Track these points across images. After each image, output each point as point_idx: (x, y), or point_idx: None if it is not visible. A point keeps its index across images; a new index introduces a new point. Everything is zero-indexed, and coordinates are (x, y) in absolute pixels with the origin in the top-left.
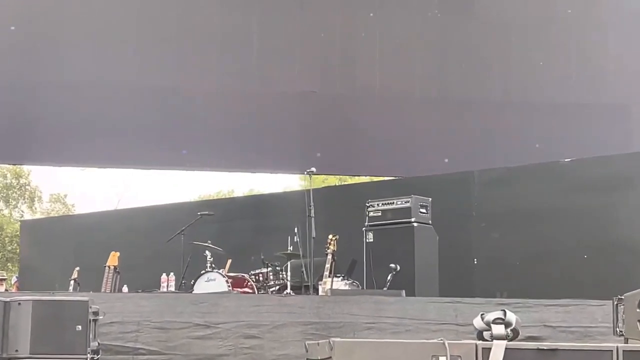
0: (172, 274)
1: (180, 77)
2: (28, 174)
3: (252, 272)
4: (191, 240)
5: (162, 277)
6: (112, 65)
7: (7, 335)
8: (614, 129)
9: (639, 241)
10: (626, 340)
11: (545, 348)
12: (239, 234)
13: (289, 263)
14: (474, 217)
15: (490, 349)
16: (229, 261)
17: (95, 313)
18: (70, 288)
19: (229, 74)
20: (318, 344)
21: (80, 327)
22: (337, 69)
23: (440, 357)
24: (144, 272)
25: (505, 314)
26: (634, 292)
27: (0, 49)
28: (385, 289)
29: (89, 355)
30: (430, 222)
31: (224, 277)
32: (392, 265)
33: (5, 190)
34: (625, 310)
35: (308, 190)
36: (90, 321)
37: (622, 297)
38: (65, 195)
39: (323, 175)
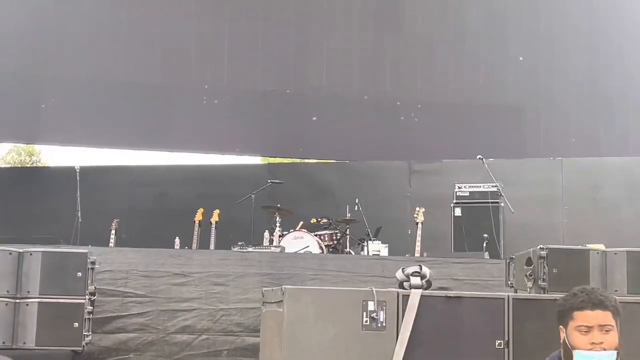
0: (277, 229)
1: (163, 73)
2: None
3: (318, 233)
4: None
5: (265, 234)
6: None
7: (20, 280)
8: (511, 129)
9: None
10: (515, 291)
11: (452, 295)
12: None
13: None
14: (410, 197)
15: (408, 295)
16: (301, 223)
17: (93, 263)
18: (112, 238)
19: (203, 73)
20: (272, 290)
21: (80, 274)
22: (291, 71)
23: (369, 302)
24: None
25: (421, 269)
26: (522, 252)
27: None
28: (485, 252)
29: (87, 296)
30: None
31: (312, 235)
32: (485, 235)
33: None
34: (515, 267)
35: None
36: (88, 269)
37: (513, 257)
38: None
39: (278, 159)
